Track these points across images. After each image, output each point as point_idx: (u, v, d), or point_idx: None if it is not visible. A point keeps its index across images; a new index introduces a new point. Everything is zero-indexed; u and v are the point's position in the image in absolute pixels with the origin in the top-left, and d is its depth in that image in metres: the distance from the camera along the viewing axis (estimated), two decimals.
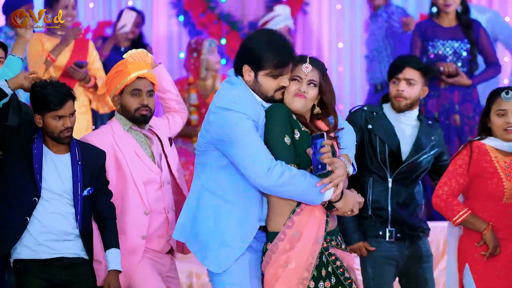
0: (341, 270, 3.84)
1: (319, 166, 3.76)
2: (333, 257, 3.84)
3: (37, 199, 4.26)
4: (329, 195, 3.80)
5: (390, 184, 4.97)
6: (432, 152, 4.97)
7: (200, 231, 3.97)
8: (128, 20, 7.30)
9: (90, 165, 4.39)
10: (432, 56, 6.70)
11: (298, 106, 3.91)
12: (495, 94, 4.51)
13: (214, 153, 3.94)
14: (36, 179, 4.27)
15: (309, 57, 3.96)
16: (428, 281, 5.07)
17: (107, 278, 4.39)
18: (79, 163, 4.36)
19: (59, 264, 4.30)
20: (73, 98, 4.35)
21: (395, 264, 5.00)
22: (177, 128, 4.90)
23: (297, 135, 3.88)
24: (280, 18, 8.10)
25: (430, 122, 5.04)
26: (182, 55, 8.51)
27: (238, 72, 3.96)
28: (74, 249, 4.34)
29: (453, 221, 4.49)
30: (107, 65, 6.83)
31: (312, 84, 3.92)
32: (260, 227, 3.97)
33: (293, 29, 8.30)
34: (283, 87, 3.91)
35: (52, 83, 4.35)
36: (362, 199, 3.92)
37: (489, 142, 4.50)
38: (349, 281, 3.84)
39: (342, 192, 3.83)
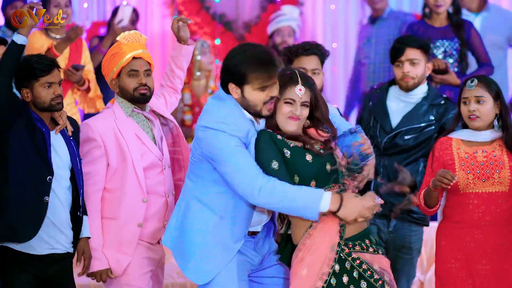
0: (369, 272, 3.78)
1: (361, 158, 3.77)
2: (358, 261, 3.79)
3: (51, 177, 4.24)
4: (325, 207, 3.75)
5: (379, 159, 5.02)
6: (425, 131, 4.98)
7: (186, 240, 3.98)
8: (125, 15, 7.26)
9: (76, 138, 4.41)
10: None
11: (292, 129, 3.90)
12: (464, 83, 4.53)
13: (207, 166, 3.94)
14: (48, 157, 4.25)
15: (300, 77, 3.91)
16: (401, 274, 5.08)
17: (81, 244, 4.39)
18: (71, 138, 4.37)
19: (49, 259, 4.30)
20: (58, 67, 4.33)
21: None
22: (172, 109, 4.90)
23: (287, 153, 3.86)
24: (283, 18, 8.08)
25: (442, 102, 5.06)
26: None
27: (226, 91, 3.93)
28: (65, 243, 4.35)
29: (423, 209, 4.54)
30: None
31: (305, 105, 3.90)
32: (248, 232, 3.99)
33: (296, 31, 8.18)
34: (272, 98, 3.88)
35: (34, 55, 4.35)
36: (372, 203, 3.80)
37: (457, 134, 4.53)
38: (380, 282, 3.79)
39: (341, 202, 3.76)
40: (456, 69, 6.57)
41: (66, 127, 4.39)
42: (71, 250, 4.38)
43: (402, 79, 5.03)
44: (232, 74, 3.86)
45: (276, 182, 3.76)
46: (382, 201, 3.83)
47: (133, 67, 4.53)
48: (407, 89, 5.03)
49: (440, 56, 6.59)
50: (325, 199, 3.74)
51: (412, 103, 5.07)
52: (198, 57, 7.58)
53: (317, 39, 8.83)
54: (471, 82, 4.45)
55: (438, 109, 5.04)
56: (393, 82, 5.18)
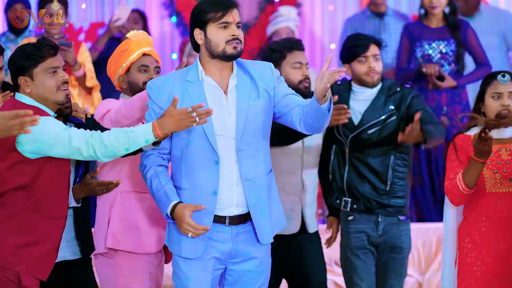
0: None
1: None
2: None
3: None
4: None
5: (347, 155, 5.03)
6: (388, 123, 4.97)
7: None
8: (122, 14, 7.26)
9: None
10: (419, 57, 6.71)
11: None
12: (491, 77, 4.47)
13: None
14: None
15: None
16: (393, 274, 5.06)
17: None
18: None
19: (59, 267, 4.17)
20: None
21: (367, 252, 5.04)
22: None
23: None
24: (281, 19, 8.06)
25: (398, 89, 5.05)
26: (174, 56, 8.53)
27: (195, 46, 3.99)
28: (72, 250, 4.28)
29: (462, 189, 4.32)
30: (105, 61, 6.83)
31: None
32: (222, 219, 3.95)
33: (294, 31, 8.09)
34: (235, 39, 3.91)
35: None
36: None
37: (475, 132, 4.40)
38: None
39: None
40: (452, 70, 6.57)
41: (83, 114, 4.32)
42: (79, 255, 4.31)
43: (367, 74, 5.00)
44: (194, 15, 3.93)
45: (152, 167, 3.94)
46: None
47: (143, 62, 4.60)
48: (373, 84, 5.01)
49: (437, 57, 6.59)
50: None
51: (371, 99, 5.06)
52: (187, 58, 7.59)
53: (315, 40, 8.86)
54: (503, 76, 4.39)
55: (395, 97, 5.02)
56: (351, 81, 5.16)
